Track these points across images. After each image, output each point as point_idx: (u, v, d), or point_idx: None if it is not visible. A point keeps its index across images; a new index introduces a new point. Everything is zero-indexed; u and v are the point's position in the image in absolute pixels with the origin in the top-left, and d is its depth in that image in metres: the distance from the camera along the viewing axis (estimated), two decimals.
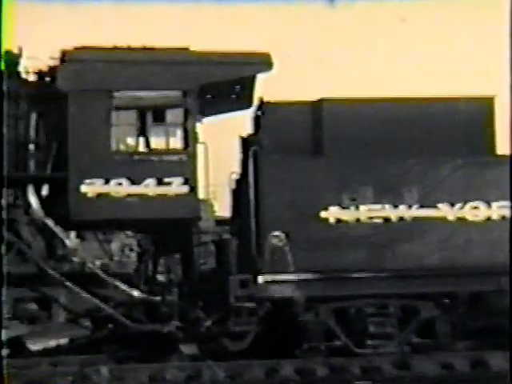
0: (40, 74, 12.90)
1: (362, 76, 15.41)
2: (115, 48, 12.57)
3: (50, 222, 12.49)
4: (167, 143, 12.64)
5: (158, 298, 12.59)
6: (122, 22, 17.02)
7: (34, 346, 12.38)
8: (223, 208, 13.33)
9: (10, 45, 12.31)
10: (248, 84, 13.11)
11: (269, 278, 12.48)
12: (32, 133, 12.62)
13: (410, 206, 12.61)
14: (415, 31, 15.84)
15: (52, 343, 12.44)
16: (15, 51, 12.85)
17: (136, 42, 12.61)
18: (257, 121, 13.08)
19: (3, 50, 12.02)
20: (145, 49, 12.57)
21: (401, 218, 12.64)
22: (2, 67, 12.42)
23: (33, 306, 12.67)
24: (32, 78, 13.03)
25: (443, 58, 17.29)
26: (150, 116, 12.54)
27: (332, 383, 12.08)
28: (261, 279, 12.45)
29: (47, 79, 12.85)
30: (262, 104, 12.94)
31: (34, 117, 12.57)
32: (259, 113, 12.99)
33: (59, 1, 17.81)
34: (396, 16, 17.20)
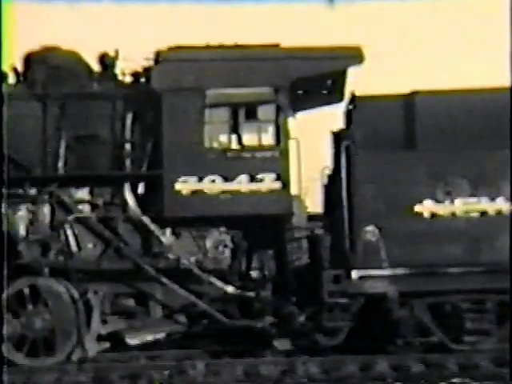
0: (135, 75, 12.00)
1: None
2: (207, 46, 11.73)
3: (145, 220, 11.76)
4: (259, 140, 11.54)
5: (251, 294, 11.52)
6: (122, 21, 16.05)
7: (132, 340, 11.65)
8: (314, 203, 12.17)
9: (9, 45, 11.34)
10: (339, 78, 12.06)
11: (362, 273, 11.41)
12: (128, 132, 11.92)
13: (507, 199, 11.21)
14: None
15: (149, 338, 11.69)
16: (112, 54, 12.00)
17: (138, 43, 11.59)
18: (349, 115, 12.00)
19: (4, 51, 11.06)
20: (236, 46, 11.57)
21: (498, 212, 11.22)
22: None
23: (130, 302, 11.94)
24: (127, 79, 12.07)
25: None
26: (243, 113, 11.53)
27: (428, 379, 10.70)
28: (354, 274, 11.40)
29: (142, 80, 11.91)
30: (354, 98, 11.71)
31: (129, 117, 11.83)
32: (351, 107, 11.80)
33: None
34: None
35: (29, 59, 12.18)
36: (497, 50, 11.66)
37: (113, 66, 12.13)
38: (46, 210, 11.77)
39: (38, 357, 11.43)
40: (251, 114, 11.70)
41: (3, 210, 11.51)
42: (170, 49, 11.74)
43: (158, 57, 11.77)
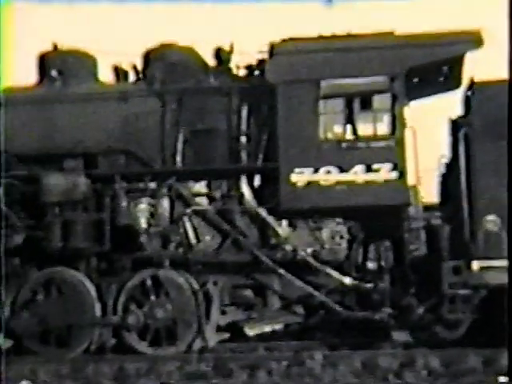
0: (250, 69, 10.90)
1: None
2: (320, 37, 10.52)
3: (262, 212, 10.74)
4: (374, 129, 10.31)
5: (369, 285, 10.23)
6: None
7: (251, 331, 10.54)
8: (429, 193, 10.78)
9: (8, 44, 10.36)
10: (456, 64, 10.64)
11: (484, 264, 9.91)
12: (243, 125, 11.01)
13: None
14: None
15: (267, 329, 10.60)
16: (227, 48, 10.97)
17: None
18: (467, 102, 10.47)
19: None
20: (349, 36, 10.35)
21: None
22: None
23: (249, 293, 10.94)
24: (242, 73, 11.06)
25: None
26: (357, 103, 10.34)
27: None
28: (475, 265, 9.92)
29: (256, 73, 10.78)
30: (473, 84, 10.20)
31: (245, 110, 10.92)
32: (469, 93, 10.28)
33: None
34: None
35: (147, 56, 11.36)
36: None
37: (228, 60, 11.08)
38: (165, 203, 10.93)
39: (160, 346, 10.50)
40: (366, 104, 10.63)
41: (125, 203, 10.64)
42: (284, 41, 10.69)
43: (272, 49, 10.71)
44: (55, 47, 11.66)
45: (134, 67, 11.55)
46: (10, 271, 10.97)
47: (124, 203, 10.81)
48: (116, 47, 11.38)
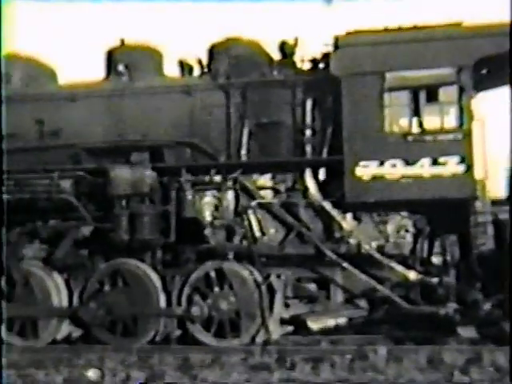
0: (314, 62, 10.70)
1: None
2: (386, 29, 10.21)
3: (327, 205, 10.54)
4: (441, 122, 9.95)
5: (434, 280, 9.90)
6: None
7: (314, 324, 10.32)
8: (498, 187, 10.42)
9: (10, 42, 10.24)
10: None
11: None
12: (308, 118, 10.82)
13: None
14: None
15: (331, 322, 10.34)
16: (292, 42, 10.80)
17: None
18: None
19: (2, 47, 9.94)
20: (414, 28, 10.06)
21: None
22: None
23: (312, 286, 10.75)
24: (307, 65, 10.87)
25: None
26: (423, 95, 10.05)
27: None
28: None
29: (321, 66, 10.58)
30: None
31: (309, 103, 10.74)
32: None
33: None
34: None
35: (212, 50, 11.25)
36: None
37: (292, 53, 10.91)
38: (230, 196, 10.79)
39: (224, 337, 10.39)
40: (432, 96, 10.28)
41: (190, 196, 10.59)
42: (349, 33, 10.42)
43: (337, 42, 10.43)
44: (122, 42, 11.67)
45: (199, 61, 11.47)
46: (79, 262, 11.04)
47: (189, 196, 10.76)
48: (181, 42, 11.36)
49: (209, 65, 11.43)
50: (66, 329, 11.10)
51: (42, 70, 12.29)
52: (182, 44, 11.74)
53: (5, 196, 11.11)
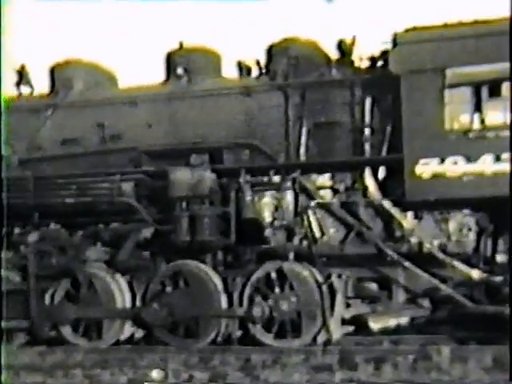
0: (372, 60, 10.53)
1: None
2: (445, 25, 9.99)
3: (386, 204, 10.30)
4: (504, 118, 9.61)
5: (499, 279, 9.62)
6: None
7: (376, 324, 10.12)
8: None
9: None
10: None
11: None
12: (367, 117, 10.66)
13: None
14: None
15: (392, 322, 10.08)
16: (349, 40, 10.67)
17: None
18: None
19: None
20: (475, 22, 9.78)
21: None
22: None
23: (373, 286, 10.60)
24: (365, 64, 10.73)
25: None
26: (485, 91, 9.78)
27: None
28: None
29: (379, 64, 10.41)
30: None
31: (368, 102, 10.56)
32: None
33: None
34: None
35: (270, 51, 11.17)
36: None
37: (350, 52, 10.75)
38: (289, 196, 10.68)
39: (285, 338, 10.32)
40: (495, 92, 9.96)
41: (250, 197, 10.53)
42: (407, 30, 10.22)
43: (396, 39, 10.24)
44: (181, 45, 11.70)
45: (257, 62, 11.42)
46: (141, 264, 11.08)
47: (249, 197, 10.69)
48: (239, 44, 11.32)
49: (267, 65, 11.38)
50: (129, 330, 11.14)
51: (102, 75, 12.39)
52: (241, 45, 11.70)
53: (68, 200, 11.22)
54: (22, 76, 12.39)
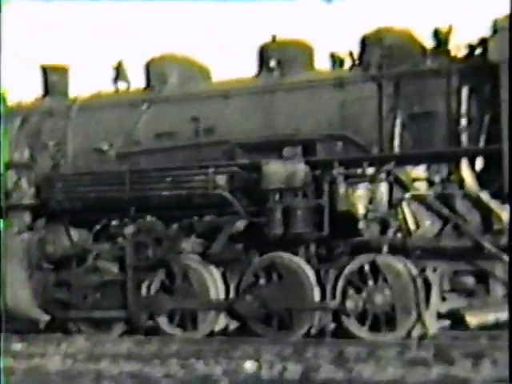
0: (471, 48, 10.13)
1: None
2: None
3: (484, 196, 9.87)
4: None
5: None
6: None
7: (473, 319, 9.80)
8: None
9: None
10: None
11: None
12: (464, 107, 10.30)
13: None
14: None
15: (490, 317, 9.77)
16: (446, 29, 10.32)
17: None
18: None
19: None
20: None
21: None
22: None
23: (470, 280, 10.24)
24: (462, 53, 10.39)
25: None
26: None
27: None
28: None
29: (477, 52, 10.06)
30: None
31: (465, 91, 10.15)
32: None
33: None
34: None
35: (364, 41, 10.94)
36: None
37: (446, 41, 10.41)
38: (383, 188, 10.42)
39: (379, 331, 10.06)
40: None
41: (343, 189, 10.34)
42: (508, 16, 9.74)
43: (496, 26, 9.84)
44: (274, 38, 11.61)
45: (350, 53, 11.22)
46: (234, 256, 11.06)
47: (342, 189, 10.51)
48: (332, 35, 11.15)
49: (360, 56, 11.15)
50: (223, 321, 11.14)
51: (196, 69, 12.42)
52: (333, 37, 11.51)
53: (163, 193, 11.29)
54: (118, 72, 12.54)
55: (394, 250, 10.37)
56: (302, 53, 11.58)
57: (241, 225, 10.98)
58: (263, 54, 11.72)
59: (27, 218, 12.19)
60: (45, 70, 13.18)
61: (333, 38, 10.93)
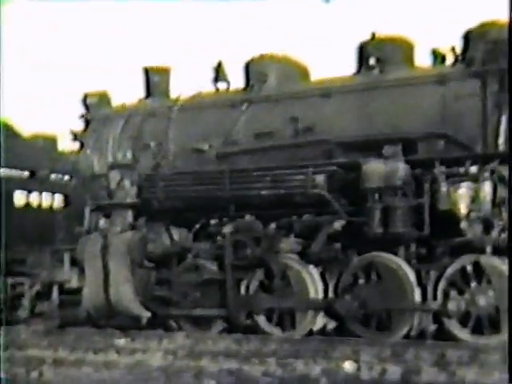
0: None
1: None
2: None
3: None
4: None
5: None
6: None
7: None
8: None
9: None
10: None
11: None
12: None
13: None
14: None
15: None
16: None
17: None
18: None
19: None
20: None
21: None
22: None
23: None
24: None
25: None
26: None
27: None
28: None
29: None
30: None
31: None
32: None
33: None
34: None
35: (467, 37, 10.58)
36: None
37: None
38: (487, 187, 10.04)
39: (482, 334, 9.72)
40: None
41: (445, 188, 10.04)
42: None
43: None
44: (373, 36, 11.40)
45: (453, 49, 10.88)
46: (333, 256, 10.91)
47: (444, 188, 10.21)
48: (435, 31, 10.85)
49: (463, 52, 10.80)
50: (321, 321, 11.00)
51: (295, 69, 12.33)
52: (436, 33, 11.20)
53: (263, 192, 11.24)
54: (218, 72, 12.59)
55: (498, 250, 9.99)
56: (402, 49, 11.32)
57: (339, 224, 10.81)
58: (362, 52, 11.53)
59: (129, 216, 12.36)
60: (147, 72, 13.37)
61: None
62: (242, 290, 11.39)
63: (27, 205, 13.99)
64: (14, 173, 13.85)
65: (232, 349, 9.96)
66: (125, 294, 11.74)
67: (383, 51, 11.31)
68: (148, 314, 11.81)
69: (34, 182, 14.16)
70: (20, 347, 10.33)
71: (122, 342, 10.65)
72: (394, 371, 8.61)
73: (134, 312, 11.79)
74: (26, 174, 14.03)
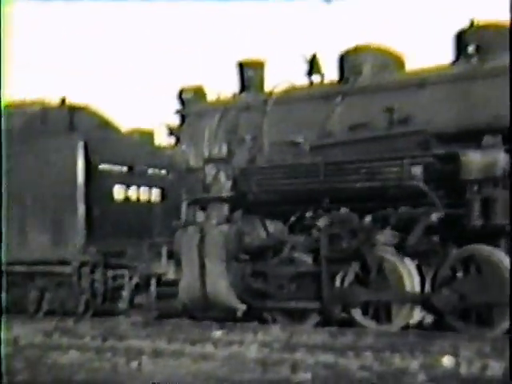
0: None
1: None
2: None
3: None
4: None
5: None
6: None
7: None
8: None
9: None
10: None
11: None
12: None
13: None
14: None
15: None
16: None
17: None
18: None
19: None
20: None
21: None
22: None
23: None
24: None
25: None
26: None
27: None
28: None
29: None
30: None
31: None
32: None
33: None
34: None
35: None
36: None
37: None
38: None
39: None
40: None
41: None
42: None
43: None
44: (472, 23, 11.04)
45: None
46: (430, 249, 10.65)
47: None
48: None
49: None
50: (418, 315, 10.76)
51: (390, 59, 12.10)
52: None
53: (358, 184, 11.06)
54: (312, 65, 12.47)
55: None
56: (503, 36, 10.90)
57: (437, 216, 10.53)
58: (461, 40, 11.19)
59: (225, 210, 12.40)
60: (241, 66, 13.39)
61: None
62: (338, 283, 11.25)
63: (126, 199, 14.23)
64: (114, 168, 14.12)
65: (327, 342, 9.84)
66: (221, 286, 11.78)
67: (483, 39, 10.94)
68: (243, 307, 11.82)
69: (133, 177, 14.38)
70: (120, 338, 10.50)
71: (218, 334, 10.68)
72: (496, 367, 8.32)
73: (230, 304, 11.82)
74: (125, 168, 14.27)
